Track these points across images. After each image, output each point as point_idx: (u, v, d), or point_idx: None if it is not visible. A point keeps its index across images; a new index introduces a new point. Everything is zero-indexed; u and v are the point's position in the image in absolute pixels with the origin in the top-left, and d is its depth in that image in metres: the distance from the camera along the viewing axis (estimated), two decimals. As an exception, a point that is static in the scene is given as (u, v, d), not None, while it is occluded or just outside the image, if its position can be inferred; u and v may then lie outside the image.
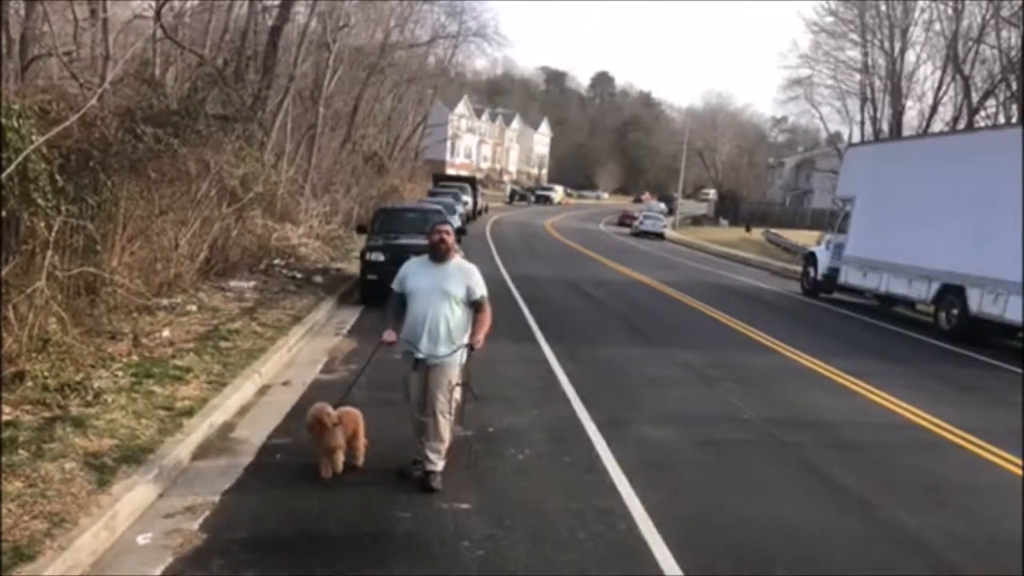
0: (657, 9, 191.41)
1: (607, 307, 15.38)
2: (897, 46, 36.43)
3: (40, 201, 6.69)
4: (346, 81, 28.55)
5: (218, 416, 6.33)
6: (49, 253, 6.99)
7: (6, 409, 5.60)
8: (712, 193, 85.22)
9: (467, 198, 36.49)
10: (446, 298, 5.37)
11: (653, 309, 15.69)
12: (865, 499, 5.86)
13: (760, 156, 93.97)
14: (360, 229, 15.47)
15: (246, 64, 18.70)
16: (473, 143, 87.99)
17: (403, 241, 12.53)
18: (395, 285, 5.60)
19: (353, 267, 15.74)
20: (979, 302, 13.90)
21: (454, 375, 5.45)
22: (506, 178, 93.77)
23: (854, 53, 39.11)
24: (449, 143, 72.61)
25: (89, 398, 6.05)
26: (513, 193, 75.49)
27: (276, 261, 15.06)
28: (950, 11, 32.85)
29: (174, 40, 16.25)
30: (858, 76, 39.22)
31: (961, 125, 31.54)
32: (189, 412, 6.16)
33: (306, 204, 20.65)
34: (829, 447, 7.09)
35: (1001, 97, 31.26)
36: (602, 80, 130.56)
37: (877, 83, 38.28)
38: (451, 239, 5.50)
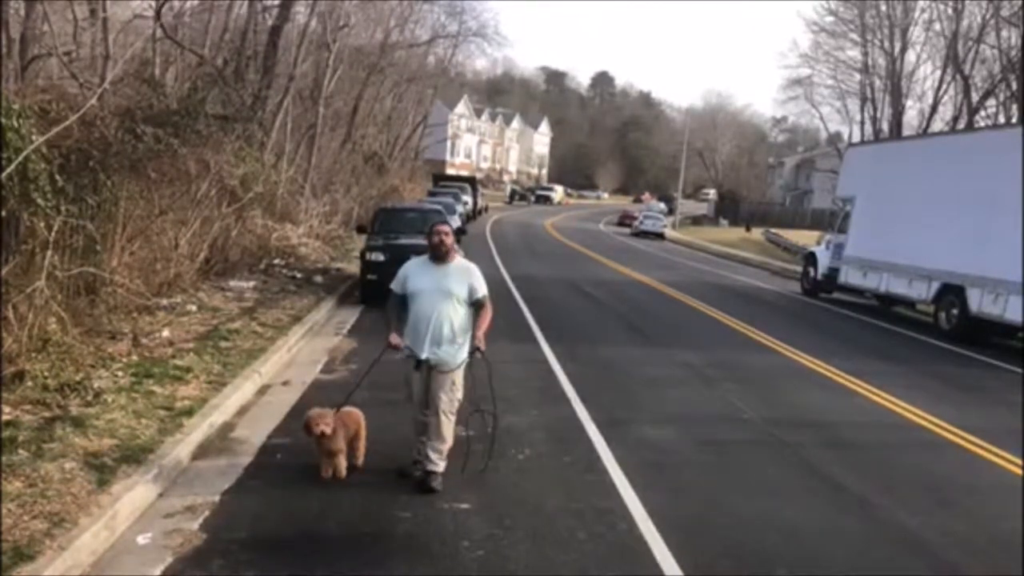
0: (657, 9, 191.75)
1: (607, 307, 15.38)
2: (897, 46, 36.49)
3: (40, 201, 6.69)
4: (346, 81, 28.54)
5: (218, 416, 6.33)
6: (49, 253, 6.99)
7: (6, 409, 5.60)
8: (712, 193, 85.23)
9: (467, 198, 36.48)
10: (448, 298, 5.35)
11: (653, 309, 15.69)
12: (865, 499, 5.86)
13: (760, 156, 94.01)
14: (360, 229, 15.46)
15: (246, 64, 18.70)
16: (473, 143, 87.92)
17: (403, 241, 12.53)
18: (395, 286, 5.57)
19: (353, 267, 15.75)
20: (979, 302, 13.90)
21: (457, 375, 5.44)
22: (506, 178, 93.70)
23: (854, 53, 39.24)
24: (449, 143, 72.54)
25: (89, 398, 6.05)
26: (513, 193, 75.43)
27: (276, 261, 15.07)
28: (950, 11, 32.89)
29: (174, 40, 16.25)
30: (858, 76, 39.31)
31: (961, 125, 31.54)
32: (189, 412, 6.16)
33: (306, 204, 20.64)
34: (829, 447, 7.09)
35: (1001, 97, 31.28)
36: (602, 80, 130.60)
37: (877, 83, 38.35)
38: (450, 240, 5.46)
